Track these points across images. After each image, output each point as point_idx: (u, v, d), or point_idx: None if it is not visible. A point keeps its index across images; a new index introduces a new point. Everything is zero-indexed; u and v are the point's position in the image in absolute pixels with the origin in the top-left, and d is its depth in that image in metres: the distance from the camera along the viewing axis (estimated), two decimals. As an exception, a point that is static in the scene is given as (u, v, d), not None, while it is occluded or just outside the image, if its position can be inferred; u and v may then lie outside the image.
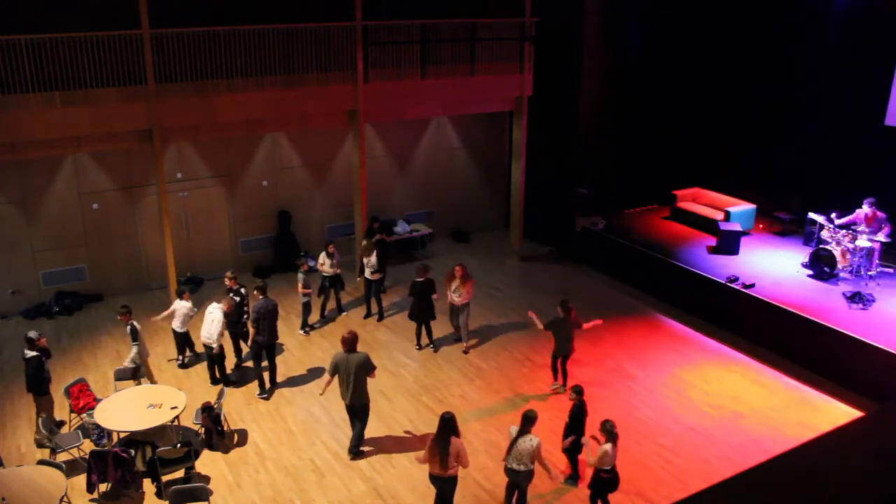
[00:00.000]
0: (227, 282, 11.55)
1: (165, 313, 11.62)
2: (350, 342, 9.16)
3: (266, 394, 10.99)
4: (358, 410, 9.44)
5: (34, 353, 9.59)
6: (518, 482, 8.20)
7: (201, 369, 11.71)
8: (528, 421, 8.04)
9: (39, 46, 10.83)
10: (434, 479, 8.12)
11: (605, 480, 8.12)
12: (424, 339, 12.43)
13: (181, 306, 11.34)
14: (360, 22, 13.03)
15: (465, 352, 12.31)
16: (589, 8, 16.42)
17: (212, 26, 11.91)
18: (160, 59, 11.67)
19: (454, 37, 14.13)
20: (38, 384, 9.67)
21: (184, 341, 11.68)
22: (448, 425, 7.89)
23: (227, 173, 14.94)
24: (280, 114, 12.97)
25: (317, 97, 13.09)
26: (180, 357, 11.83)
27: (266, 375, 11.13)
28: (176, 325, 11.43)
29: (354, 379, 9.14)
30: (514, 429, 8.12)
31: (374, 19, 13.35)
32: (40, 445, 9.76)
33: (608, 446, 7.95)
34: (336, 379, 9.35)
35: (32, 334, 9.69)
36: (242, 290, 11.58)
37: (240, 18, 12.54)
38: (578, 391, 8.86)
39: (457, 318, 12.31)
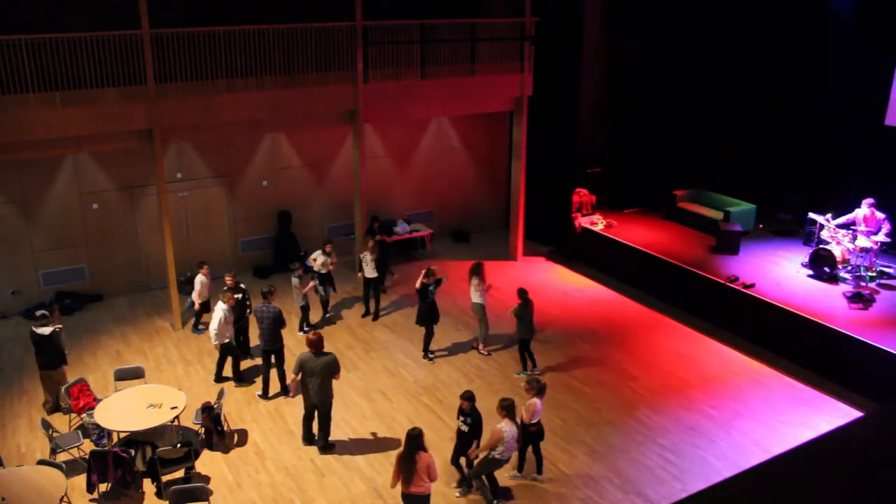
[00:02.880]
0: (227, 280, 11.66)
1: (196, 292, 12.58)
2: (316, 343, 9.26)
3: (267, 396, 11.00)
4: (319, 409, 9.56)
5: (53, 328, 10.14)
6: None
7: (201, 368, 11.72)
8: (510, 409, 8.49)
9: (39, 46, 10.82)
10: (404, 497, 7.81)
11: (533, 433, 9.04)
12: (432, 345, 12.30)
13: (201, 279, 12.53)
14: (361, 22, 13.04)
15: (476, 346, 12.50)
16: (589, 8, 16.40)
17: (212, 26, 11.91)
18: (160, 59, 11.66)
19: (454, 37, 14.13)
20: (63, 356, 10.39)
21: (203, 310, 12.75)
22: (414, 441, 7.65)
23: (227, 173, 14.94)
24: (280, 114, 12.96)
25: (317, 97, 13.09)
26: (200, 326, 12.87)
27: (272, 378, 11.11)
28: (200, 298, 12.61)
29: (321, 379, 9.26)
30: (506, 424, 8.43)
31: (374, 19, 13.35)
32: (55, 410, 10.37)
33: (536, 399, 8.84)
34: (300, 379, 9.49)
35: (45, 312, 10.37)
36: (242, 286, 11.98)
37: (240, 18, 12.54)
38: (470, 398, 8.80)
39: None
